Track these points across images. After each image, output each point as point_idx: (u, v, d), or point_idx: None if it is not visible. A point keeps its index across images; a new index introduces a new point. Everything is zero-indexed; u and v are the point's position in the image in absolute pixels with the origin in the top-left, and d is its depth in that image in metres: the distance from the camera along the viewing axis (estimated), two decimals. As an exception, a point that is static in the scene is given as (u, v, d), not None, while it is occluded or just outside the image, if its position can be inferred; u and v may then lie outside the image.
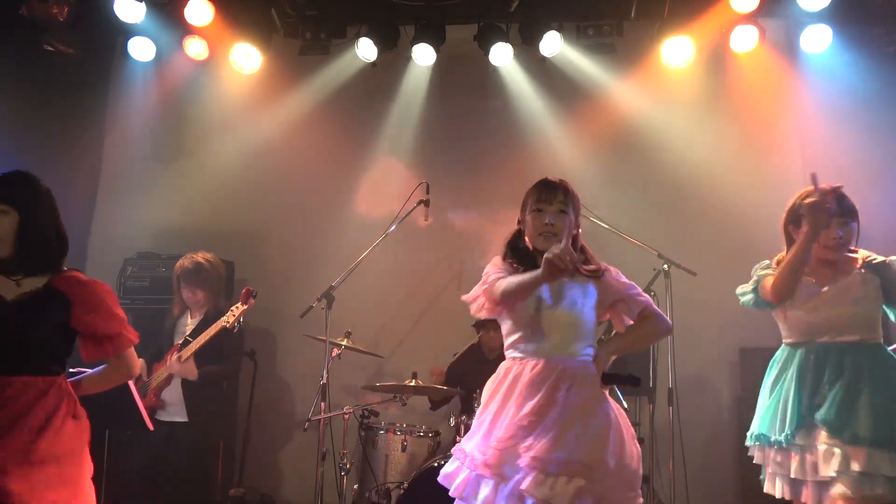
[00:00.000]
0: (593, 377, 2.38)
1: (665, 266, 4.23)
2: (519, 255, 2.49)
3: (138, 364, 2.41)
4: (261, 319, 5.40)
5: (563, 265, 2.11)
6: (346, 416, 4.05)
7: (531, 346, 2.38)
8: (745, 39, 4.98)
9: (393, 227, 4.37)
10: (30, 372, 2.15)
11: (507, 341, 2.47)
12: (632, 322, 2.51)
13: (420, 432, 4.20)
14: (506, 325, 2.47)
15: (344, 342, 4.28)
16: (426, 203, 4.41)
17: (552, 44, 5.07)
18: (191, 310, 4.19)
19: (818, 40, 4.94)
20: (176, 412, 3.98)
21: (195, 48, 5.29)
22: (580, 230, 2.51)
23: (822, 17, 4.88)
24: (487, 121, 5.61)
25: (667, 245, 4.36)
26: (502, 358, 4.72)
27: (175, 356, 3.89)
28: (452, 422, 4.10)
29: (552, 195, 2.44)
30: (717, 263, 5.03)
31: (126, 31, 5.26)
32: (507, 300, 2.37)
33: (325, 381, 4.00)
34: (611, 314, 2.55)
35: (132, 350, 2.34)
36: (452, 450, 2.47)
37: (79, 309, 2.21)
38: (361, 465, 4.20)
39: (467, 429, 3.95)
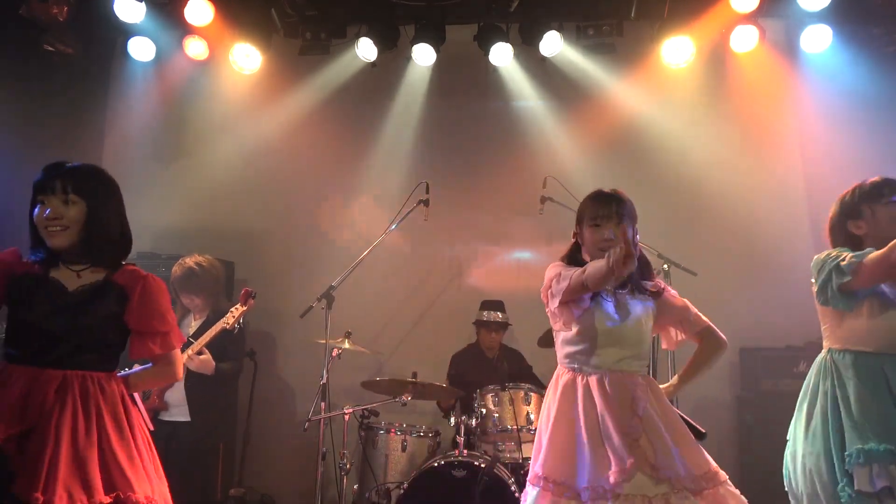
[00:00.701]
0: (657, 391, 2.43)
1: (665, 266, 4.23)
2: (578, 266, 2.45)
3: (182, 368, 2.40)
4: (261, 320, 5.40)
5: (628, 252, 2.12)
6: (346, 416, 4.05)
7: (595, 358, 2.38)
8: (745, 39, 4.98)
9: (393, 227, 4.38)
10: (85, 366, 2.14)
11: (566, 351, 2.45)
12: (683, 338, 2.62)
13: (420, 432, 4.20)
14: (567, 335, 2.45)
15: (344, 342, 4.27)
16: (426, 203, 4.41)
17: (552, 44, 5.07)
18: (193, 313, 4.20)
19: (818, 40, 4.94)
20: (178, 412, 3.98)
21: (195, 48, 5.29)
22: (639, 242, 2.48)
23: (822, 17, 4.88)
24: (487, 121, 5.61)
25: (667, 245, 4.35)
26: (502, 357, 4.78)
27: (187, 354, 3.88)
28: (452, 422, 4.10)
29: (608, 209, 2.43)
30: (717, 263, 5.05)
31: (126, 31, 5.26)
32: (574, 292, 2.36)
33: (325, 381, 4.00)
34: (662, 332, 2.63)
35: (178, 352, 2.32)
36: (535, 481, 2.31)
37: (135, 302, 2.19)
38: (361, 465, 4.20)
39: (467, 429, 3.97)
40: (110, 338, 2.21)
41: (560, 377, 2.45)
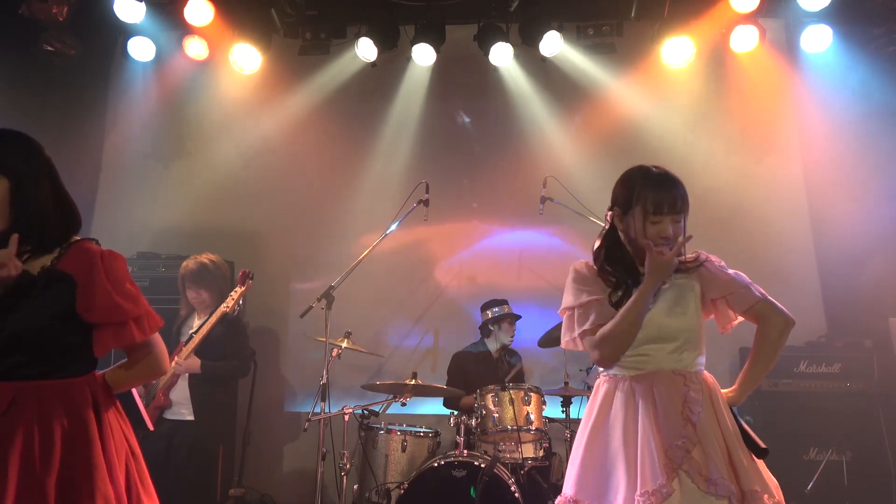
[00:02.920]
0: (715, 389, 2.13)
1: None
2: (618, 263, 2.13)
3: (167, 356, 2.00)
4: (261, 320, 5.40)
5: (668, 272, 1.94)
6: (346, 417, 4.05)
7: (636, 359, 2.06)
8: (745, 39, 4.98)
9: (393, 227, 4.37)
10: (41, 376, 1.79)
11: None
12: (738, 318, 2.21)
13: (420, 432, 4.20)
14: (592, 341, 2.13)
15: (344, 342, 4.27)
16: (426, 203, 4.41)
17: (552, 44, 5.07)
18: (197, 311, 4.20)
19: (818, 40, 4.95)
20: (182, 411, 3.98)
21: (195, 48, 5.29)
22: None
23: (822, 17, 4.88)
24: (487, 120, 5.61)
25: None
26: (505, 358, 4.76)
27: (175, 360, 3.90)
28: (452, 422, 4.09)
29: (674, 202, 2.07)
30: (717, 263, 5.03)
31: (126, 31, 5.26)
32: (615, 350, 2.04)
33: (325, 381, 3.99)
34: (714, 313, 2.22)
35: (158, 338, 1.94)
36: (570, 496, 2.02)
37: (85, 288, 1.80)
38: (361, 465, 4.20)
39: (467, 429, 3.97)
40: (69, 339, 1.82)
41: (600, 387, 2.12)
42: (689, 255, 2.19)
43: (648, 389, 2.01)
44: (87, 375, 1.88)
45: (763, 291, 2.17)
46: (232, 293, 3.92)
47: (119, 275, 1.86)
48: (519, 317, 4.73)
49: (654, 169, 2.13)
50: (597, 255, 2.17)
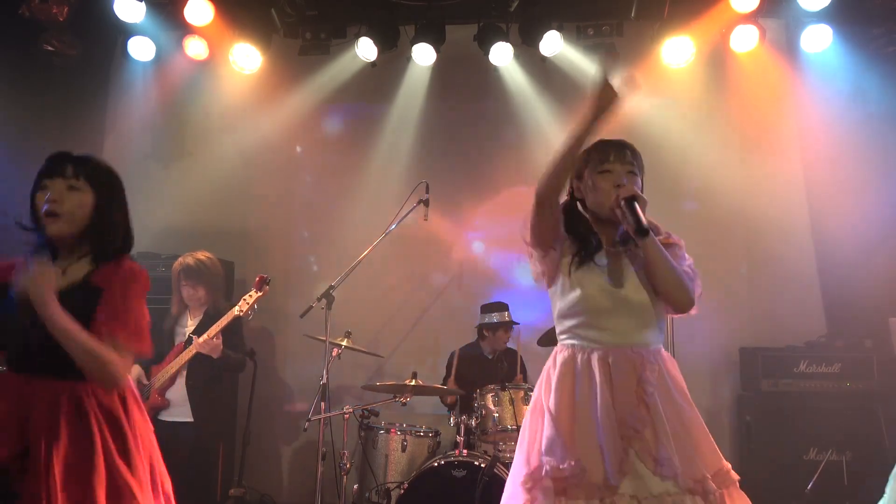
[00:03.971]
0: (671, 368, 2.12)
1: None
2: (577, 227, 2.19)
3: (126, 376, 2.03)
4: (261, 320, 5.40)
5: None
6: (346, 416, 4.05)
7: (593, 332, 2.08)
8: (745, 39, 4.98)
9: (393, 227, 4.37)
10: (77, 377, 1.92)
11: (563, 326, 2.15)
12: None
13: (420, 432, 4.20)
14: (561, 305, 2.16)
15: (344, 342, 4.28)
16: (426, 203, 4.41)
17: (552, 44, 5.07)
18: (190, 309, 4.19)
19: (818, 40, 4.94)
20: (180, 412, 3.97)
21: (195, 48, 5.29)
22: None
23: (822, 17, 4.88)
24: (487, 120, 5.61)
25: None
26: (503, 358, 4.77)
27: (203, 337, 3.87)
28: (452, 422, 4.10)
29: (621, 154, 2.15)
30: (716, 263, 5.04)
31: (126, 31, 5.26)
32: (548, 183, 2.07)
33: (325, 381, 3.99)
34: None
35: (128, 360, 2.00)
36: (519, 475, 2.03)
37: (104, 298, 1.97)
38: (361, 465, 4.20)
39: (467, 429, 3.97)
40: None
41: (558, 354, 2.14)
42: (661, 235, 2.20)
43: (605, 364, 2.03)
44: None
45: (698, 293, 2.21)
46: (246, 297, 3.91)
47: (131, 290, 2.04)
48: (515, 324, 4.73)
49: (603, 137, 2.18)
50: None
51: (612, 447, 1.95)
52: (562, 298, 2.15)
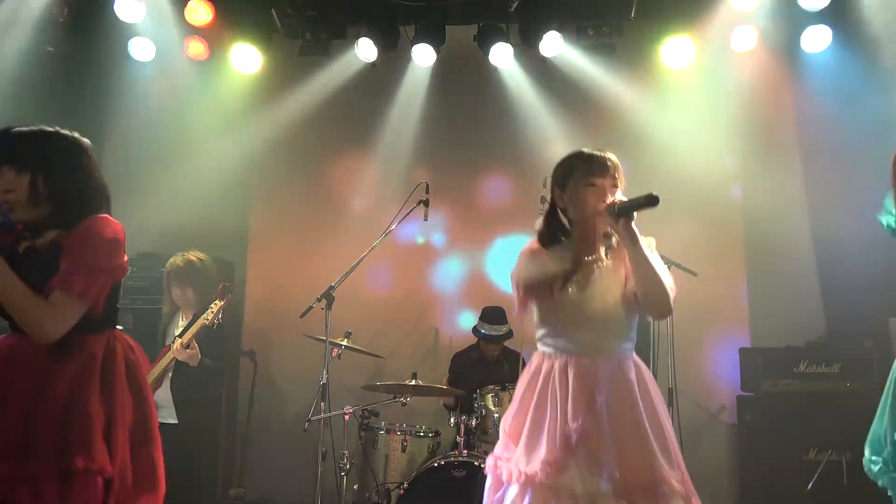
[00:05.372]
0: (641, 377, 2.17)
1: (665, 266, 4.22)
2: (555, 235, 2.27)
3: (59, 327, 1.94)
4: (261, 320, 5.40)
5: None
6: (346, 417, 4.05)
7: (560, 341, 2.18)
8: (745, 39, 4.98)
9: (393, 227, 4.37)
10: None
11: (538, 333, 2.25)
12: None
13: (420, 432, 4.20)
14: (534, 316, 2.26)
15: (344, 342, 4.28)
16: (426, 203, 4.41)
17: (552, 44, 5.06)
18: (182, 309, 4.17)
19: (818, 40, 4.94)
20: (165, 414, 3.96)
21: (195, 48, 5.29)
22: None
23: (822, 17, 4.88)
24: (487, 121, 5.61)
25: (667, 245, 4.35)
26: (502, 359, 4.78)
27: (178, 342, 3.86)
28: (452, 422, 4.10)
29: (606, 169, 2.21)
30: (716, 263, 5.05)
31: (126, 31, 5.26)
32: (535, 290, 2.16)
33: (324, 381, 3.99)
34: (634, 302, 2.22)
35: (72, 304, 1.94)
36: (492, 464, 2.22)
37: (65, 248, 1.97)
38: (361, 465, 4.21)
39: (467, 429, 3.97)
40: None
41: (534, 359, 2.25)
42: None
43: (565, 372, 2.12)
44: (101, 333, 2.04)
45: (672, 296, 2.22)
46: (212, 305, 3.87)
47: (92, 239, 1.99)
48: (507, 338, 4.72)
49: (585, 148, 2.29)
50: (541, 234, 2.31)
51: (553, 447, 2.05)
52: (536, 307, 2.24)
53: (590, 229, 2.18)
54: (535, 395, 2.16)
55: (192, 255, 4.16)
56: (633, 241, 2.12)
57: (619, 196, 2.18)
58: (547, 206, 2.32)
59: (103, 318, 2.07)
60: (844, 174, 4.93)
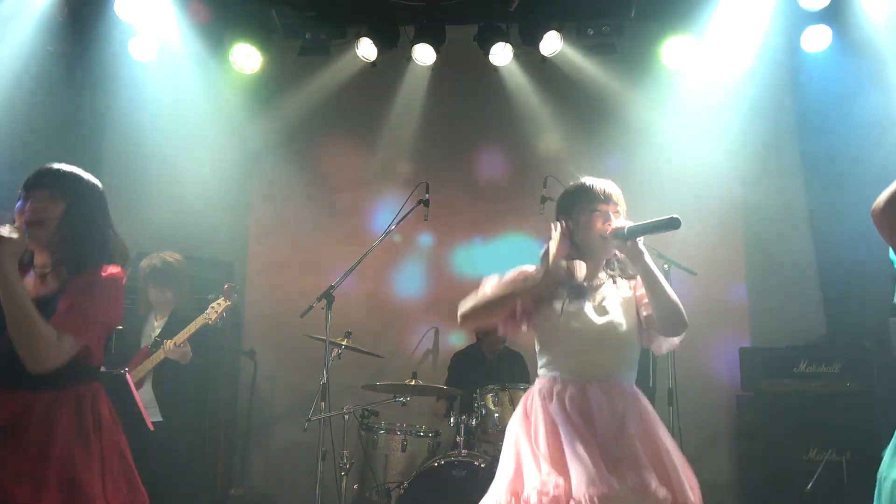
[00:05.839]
0: (645, 403, 2.20)
1: (665, 266, 4.23)
2: (560, 269, 2.29)
3: (55, 359, 2.00)
4: (261, 319, 5.40)
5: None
6: (346, 417, 4.05)
7: (565, 366, 2.20)
8: (745, 39, 4.98)
9: (393, 227, 4.38)
10: (51, 385, 2.02)
11: (544, 359, 2.29)
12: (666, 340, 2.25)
13: (420, 432, 4.20)
14: (541, 338, 2.31)
15: (344, 342, 4.28)
16: (426, 203, 4.41)
17: (552, 44, 5.06)
18: (155, 311, 4.13)
19: (818, 40, 4.94)
20: (149, 413, 3.93)
21: (194, 48, 5.29)
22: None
23: (822, 17, 4.88)
24: (487, 120, 5.61)
25: (667, 245, 4.36)
26: (502, 359, 4.77)
27: (169, 342, 3.83)
28: (452, 422, 4.10)
29: (608, 196, 2.29)
30: (716, 263, 5.05)
31: (126, 31, 5.26)
32: (477, 319, 2.38)
33: (324, 381, 3.99)
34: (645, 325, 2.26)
35: (62, 346, 2.00)
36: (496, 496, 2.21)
37: (66, 292, 2.07)
38: (361, 465, 4.20)
39: (467, 428, 3.97)
40: None
41: (537, 383, 2.27)
42: (630, 271, 2.32)
43: (584, 397, 2.13)
44: (89, 385, 2.13)
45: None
46: (214, 304, 3.85)
47: (89, 289, 2.08)
48: (503, 340, 4.72)
49: (586, 180, 2.35)
50: (544, 256, 2.33)
51: (589, 470, 2.00)
52: (541, 329, 2.28)
53: (595, 249, 2.28)
54: (559, 419, 2.13)
55: (169, 256, 4.12)
56: (640, 259, 2.16)
57: (623, 221, 2.24)
58: (556, 234, 2.32)
59: (96, 369, 2.18)
60: (844, 174, 4.93)
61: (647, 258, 2.16)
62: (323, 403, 3.95)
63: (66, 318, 2.02)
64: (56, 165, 2.22)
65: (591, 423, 2.10)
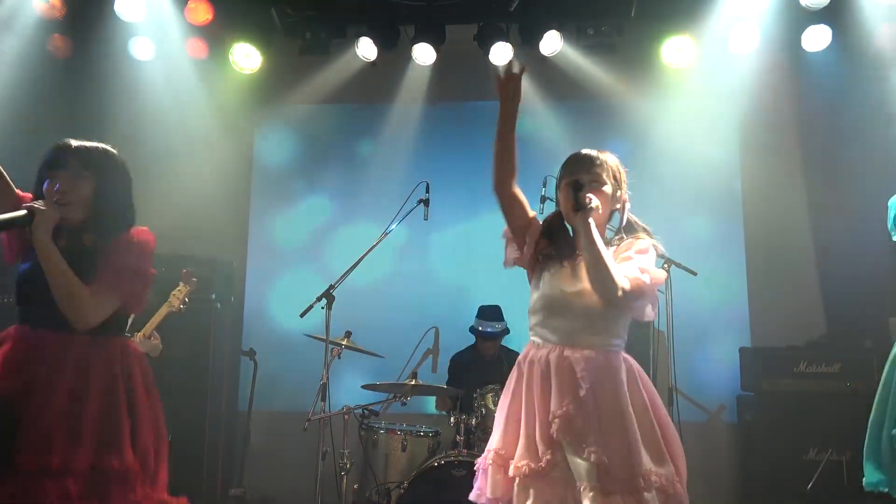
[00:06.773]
0: (631, 373, 2.16)
1: (665, 265, 4.23)
2: (555, 237, 2.34)
3: (96, 316, 2.16)
4: (261, 319, 5.40)
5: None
6: (346, 417, 4.05)
7: (547, 331, 2.21)
8: (745, 39, 4.98)
9: (393, 227, 4.37)
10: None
11: (530, 323, 2.29)
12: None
13: (420, 432, 4.20)
14: (530, 304, 2.32)
15: (344, 342, 4.28)
16: (426, 203, 4.41)
17: (552, 44, 5.07)
18: None
19: (818, 40, 4.94)
20: None
21: (195, 48, 5.29)
22: (626, 204, 2.36)
23: (822, 16, 4.88)
24: (487, 120, 5.59)
25: (667, 244, 4.35)
26: (501, 358, 4.77)
27: (139, 335, 3.82)
28: (452, 421, 4.10)
29: (586, 165, 2.29)
30: (717, 263, 5.05)
31: (126, 31, 5.26)
32: (494, 177, 2.50)
33: (324, 381, 3.99)
34: None
35: (102, 302, 2.16)
36: (480, 463, 2.27)
37: (106, 255, 2.19)
38: (361, 465, 4.20)
39: (467, 428, 3.97)
40: None
41: (524, 350, 2.29)
42: (616, 238, 2.31)
43: (548, 362, 2.15)
44: (117, 337, 2.25)
45: (636, 279, 2.16)
46: (175, 292, 3.80)
47: (138, 246, 2.27)
48: (505, 333, 4.72)
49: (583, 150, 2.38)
50: (541, 230, 2.40)
51: (532, 434, 2.09)
52: (531, 295, 2.32)
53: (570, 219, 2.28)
54: (523, 384, 2.19)
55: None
56: (584, 232, 2.15)
57: (601, 193, 2.27)
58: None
59: (125, 321, 2.31)
60: (845, 174, 4.93)
61: (592, 233, 2.14)
62: (323, 403, 3.95)
63: (115, 276, 2.17)
64: (75, 143, 2.24)
65: (547, 390, 2.12)
